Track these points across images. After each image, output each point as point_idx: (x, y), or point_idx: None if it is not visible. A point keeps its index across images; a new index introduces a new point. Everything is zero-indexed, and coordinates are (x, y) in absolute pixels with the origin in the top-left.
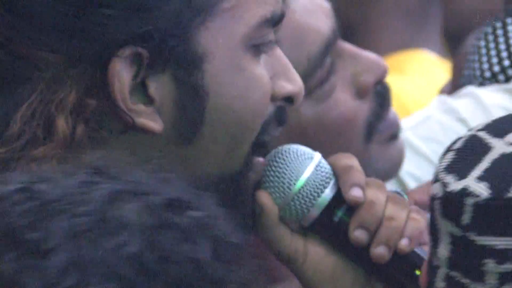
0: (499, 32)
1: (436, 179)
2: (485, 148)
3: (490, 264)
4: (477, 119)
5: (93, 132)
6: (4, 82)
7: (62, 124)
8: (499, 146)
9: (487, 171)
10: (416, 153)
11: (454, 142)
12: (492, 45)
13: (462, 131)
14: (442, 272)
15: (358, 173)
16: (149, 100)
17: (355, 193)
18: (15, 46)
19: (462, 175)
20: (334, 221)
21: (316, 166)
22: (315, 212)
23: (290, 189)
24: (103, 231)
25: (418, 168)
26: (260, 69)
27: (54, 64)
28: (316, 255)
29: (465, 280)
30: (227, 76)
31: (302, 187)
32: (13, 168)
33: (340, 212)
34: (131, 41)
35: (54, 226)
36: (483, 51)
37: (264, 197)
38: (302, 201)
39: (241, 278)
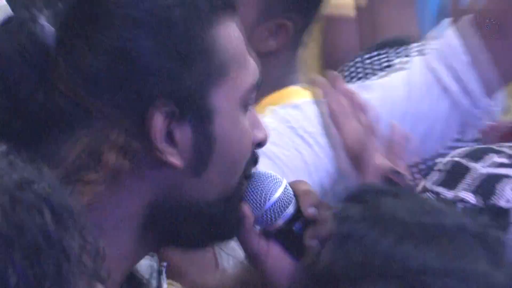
0: (359, 64)
1: (425, 190)
2: (466, 170)
3: None
4: (303, 126)
5: (131, 164)
6: (63, 123)
7: (111, 158)
8: (476, 168)
9: (469, 185)
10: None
11: (439, 165)
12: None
13: (294, 138)
14: None
15: (314, 196)
16: (173, 143)
17: (312, 211)
18: (75, 96)
19: (451, 187)
20: (292, 230)
21: (284, 189)
22: (279, 222)
23: (264, 204)
24: None
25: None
26: (246, 122)
27: (106, 112)
28: (276, 253)
29: None
30: (229, 127)
31: (273, 204)
32: (70, 188)
33: (298, 224)
34: (166, 96)
35: None
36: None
37: (245, 208)
38: (272, 214)
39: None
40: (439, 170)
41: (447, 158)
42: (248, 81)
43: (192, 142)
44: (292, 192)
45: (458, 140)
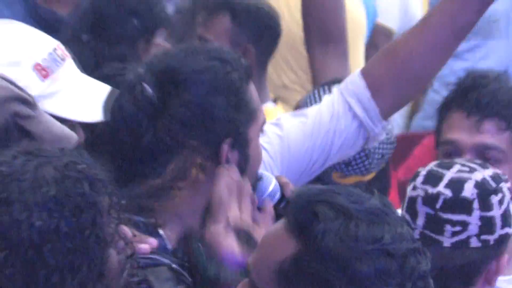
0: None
1: (415, 188)
2: (441, 175)
3: (448, 227)
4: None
5: (205, 176)
6: (164, 151)
7: (193, 173)
8: (448, 174)
9: (446, 185)
10: None
11: (420, 172)
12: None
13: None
14: (417, 231)
15: (290, 184)
16: (229, 162)
17: (290, 193)
18: (173, 135)
19: (434, 185)
20: (280, 207)
21: (274, 184)
22: (272, 203)
23: (264, 193)
24: (35, 184)
25: None
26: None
27: (193, 144)
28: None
29: (432, 234)
30: (255, 149)
31: (269, 193)
32: (166, 194)
33: (283, 204)
34: (229, 134)
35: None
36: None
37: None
38: (268, 198)
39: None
40: (419, 176)
41: (426, 168)
42: (263, 117)
43: (238, 160)
44: (278, 184)
45: (364, 149)
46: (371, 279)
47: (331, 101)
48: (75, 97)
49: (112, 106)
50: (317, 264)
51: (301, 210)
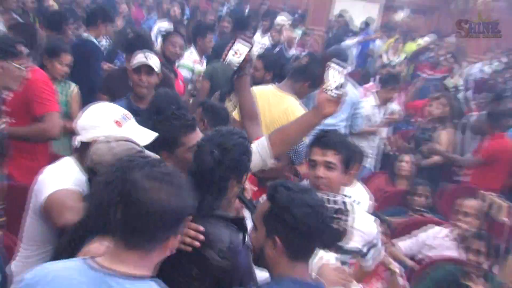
0: None
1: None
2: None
3: None
4: None
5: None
6: (225, 181)
7: (235, 190)
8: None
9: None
10: None
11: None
12: None
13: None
14: None
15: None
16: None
17: None
18: (228, 174)
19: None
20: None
21: None
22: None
23: None
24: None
25: None
26: None
27: (234, 177)
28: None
29: None
30: None
31: None
32: (228, 201)
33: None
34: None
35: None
36: None
37: None
38: None
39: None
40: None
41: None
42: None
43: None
44: None
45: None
46: (301, 216)
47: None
48: (135, 134)
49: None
50: (277, 211)
51: (271, 189)
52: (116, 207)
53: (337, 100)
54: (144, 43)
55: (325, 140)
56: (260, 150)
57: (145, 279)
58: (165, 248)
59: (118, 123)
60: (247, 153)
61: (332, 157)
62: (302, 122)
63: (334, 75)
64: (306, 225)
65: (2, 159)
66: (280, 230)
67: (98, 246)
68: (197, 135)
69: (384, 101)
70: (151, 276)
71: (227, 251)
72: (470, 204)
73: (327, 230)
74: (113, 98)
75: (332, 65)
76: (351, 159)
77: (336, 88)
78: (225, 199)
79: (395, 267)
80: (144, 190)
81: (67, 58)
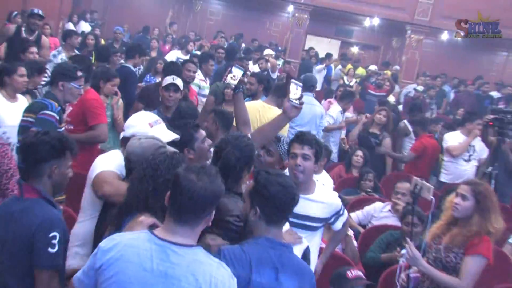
0: None
1: None
2: None
3: None
4: None
5: None
6: (241, 172)
7: (245, 178)
8: None
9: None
10: None
11: None
12: None
13: None
14: None
15: None
16: None
17: None
18: (242, 167)
19: None
20: None
21: None
22: None
23: None
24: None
25: None
26: None
27: (246, 170)
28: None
29: None
30: None
31: None
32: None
33: None
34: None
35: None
36: None
37: None
38: None
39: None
40: None
41: None
42: None
43: None
44: None
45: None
46: (275, 192)
47: None
48: (161, 134)
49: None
50: (258, 188)
51: (256, 172)
52: (170, 195)
53: (298, 107)
54: (175, 69)
55: (302, 138)
56: None
57: (193, 247)
58: (205, 223)
59: (150, 125)
60: (253, 150)
61: (307, 151)
62: (274, 122)
63: (295, 90)
64: (278, 199)
65: (74, 156)
66: (259, 202)
67: (144, 219)
68: (202, 132)
69: (344, 111)
70: (196, 244)
71: (241, 216)
72: (404, 186)
73: (293, 203)
74: (146, 106)
75: (293, 82)
76: (320, 153)
77: (297, 99)
78: (240, 182)
79: (350, 232)
80: (190, 181)
81: (117, 81)
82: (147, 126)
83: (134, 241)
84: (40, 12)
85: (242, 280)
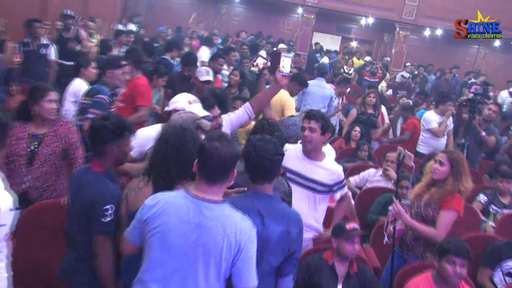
0: None
1: None
2: None
3: None
4: None
5: None
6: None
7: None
8: None
9: None
10: None
11: None
12: None
13: None
14: None
15: None
16: None
17: None
18: None
19: None
20: None
21: None
22: None
23: None
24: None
25: None
26: None
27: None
28: None
29: None
30: None
31: None
32: None
33: None
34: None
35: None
36: None
37: None
38: None
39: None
40: None
41: None
42: None
43: None
44: None
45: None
46: (248, 154)
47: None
48: (197, 110)
49: (253, 158)
50: (246, 151)
51: (247, 146)
52: (198, 162)
53: (288, 76)
54: (191, 59)
55: (310, 114)
56: (246, 109)
57: (221, 203)
58: (230, 181)
59: (189, 102)
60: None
61: (314, 124)
62: (268, 91)
63: (285, 62)
64: (249, 160)
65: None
66: (247, 162)
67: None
68: (216, 109)
69: (340, 94)
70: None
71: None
72: (393, 155)
73: (266, 164)
74: (173, 90)
75: (282, 56)
76: (326, 127)
77: (287, 69)
78: None
79: (349, 192)
80: (216, 148)
81: (165, 77)
82: (187, 103)
83: (174, 199)
84: (69, 13)
85: None
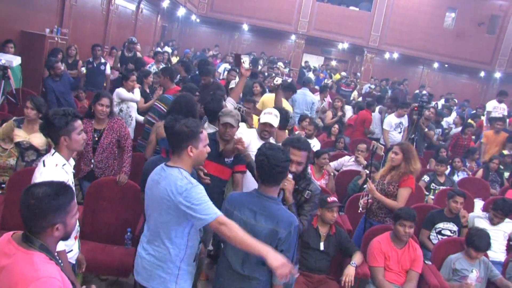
0: None
1: None
2: None
3: None
4: None
5: None
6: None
7: None
8: None
9: None
10: None
11: None
12: None
13: None
14: None
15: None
16: None
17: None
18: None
19: None
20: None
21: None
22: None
23: None
24: None
25: None
26: None
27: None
28: None
29: None
30: None
31: None
32: None
33: None
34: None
35: None
36: None
37: None
38: None
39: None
40: None
41: None
42: None
43: None
44: None
45: None
46: (260, 162)
47: None
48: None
49: (264, 165)
50: (257, 156)
51: (259, 155)
52: (257, 168)
53: (249, 70)
54: (205, 67)
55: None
56: (230, 102)
57: (174, 167)
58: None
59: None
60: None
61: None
62: (239, 83)
63: (245, 60)
64: (260, 167)
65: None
66: (258, 167)
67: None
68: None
69: (322, 99)
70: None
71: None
72: (363, 146)
73: (274, 171)
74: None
75: (242, 56)
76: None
77: (247, 65)
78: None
79: (332, 173)
80: (171, 127)
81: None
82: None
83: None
84: (134, 40)
85: (227, 212)
